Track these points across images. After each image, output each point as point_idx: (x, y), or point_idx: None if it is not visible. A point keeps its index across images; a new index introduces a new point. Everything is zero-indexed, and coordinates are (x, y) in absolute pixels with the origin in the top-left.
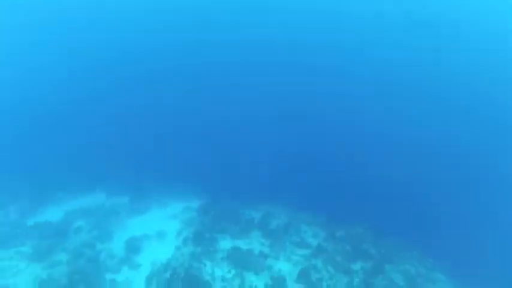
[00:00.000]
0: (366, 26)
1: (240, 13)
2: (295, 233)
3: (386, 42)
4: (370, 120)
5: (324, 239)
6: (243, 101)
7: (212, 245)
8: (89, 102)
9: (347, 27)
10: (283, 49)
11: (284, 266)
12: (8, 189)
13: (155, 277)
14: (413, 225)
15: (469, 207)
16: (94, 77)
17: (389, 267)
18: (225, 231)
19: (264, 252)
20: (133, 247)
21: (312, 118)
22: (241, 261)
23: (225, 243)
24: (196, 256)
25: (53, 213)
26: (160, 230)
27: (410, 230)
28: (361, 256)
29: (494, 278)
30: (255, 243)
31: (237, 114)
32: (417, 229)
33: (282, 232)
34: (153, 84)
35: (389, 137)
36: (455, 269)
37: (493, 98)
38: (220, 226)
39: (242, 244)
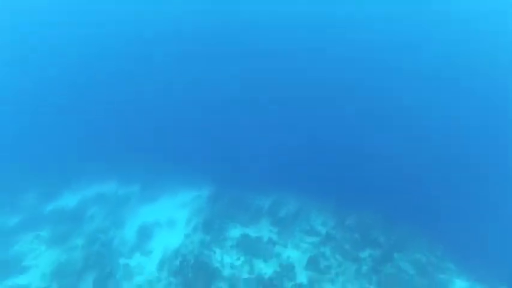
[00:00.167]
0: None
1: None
2: (305, 221)
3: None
4: (382, 108)
5: (333, 227)
6: (253, 86)
7: (221, 232)
8: (103, 91)
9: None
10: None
11: (293, 254)
12: (27, 177)
13: (166, 263)
14: (424, 213)
15: (480, 195)
16: (109, 65)
17: (398, 256)
18: (234, 219)
19: (272, 239)
20: (144, 234)
21: (322, 105)
22: (250, 248)
23: (234, 231)
24: (206, 243)
25: (68, 200)
26: (170, 218)
27: (421, 219)
28: (370, 244)
29: (506, 268)
30: (264, 230)
31: (247, 101)
32: (427, 218)
33: (291, 220)
34: (165, 73)
35: (401, 125)
36: (466, 259)
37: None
38: (230, 214)
39: (251, 232)
